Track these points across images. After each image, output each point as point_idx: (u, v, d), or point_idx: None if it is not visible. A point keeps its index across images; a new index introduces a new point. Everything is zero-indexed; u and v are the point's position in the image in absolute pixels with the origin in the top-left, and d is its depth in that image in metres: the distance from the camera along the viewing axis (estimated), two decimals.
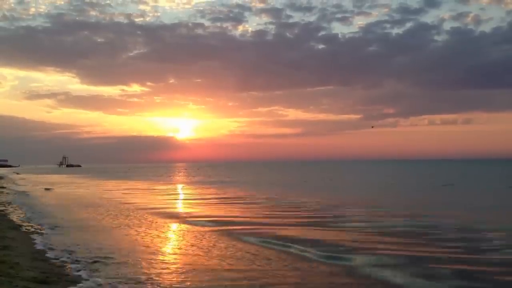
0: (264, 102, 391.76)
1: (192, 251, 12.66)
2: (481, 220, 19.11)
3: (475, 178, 60.81)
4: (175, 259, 11.68)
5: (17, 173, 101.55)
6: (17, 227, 16.46)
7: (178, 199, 32.74)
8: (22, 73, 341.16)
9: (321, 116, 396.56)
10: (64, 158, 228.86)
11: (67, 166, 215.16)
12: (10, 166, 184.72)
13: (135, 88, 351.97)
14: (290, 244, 13.39)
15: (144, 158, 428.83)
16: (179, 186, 48.71)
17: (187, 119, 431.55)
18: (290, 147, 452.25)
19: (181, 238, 15.00)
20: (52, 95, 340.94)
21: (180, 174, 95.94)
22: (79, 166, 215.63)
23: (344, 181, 57.02)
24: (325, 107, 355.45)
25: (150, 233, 15.78)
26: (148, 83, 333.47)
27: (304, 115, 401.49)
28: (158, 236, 15.26)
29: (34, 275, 8.86)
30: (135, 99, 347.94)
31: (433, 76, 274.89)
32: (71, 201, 29.22)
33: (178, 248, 13.23)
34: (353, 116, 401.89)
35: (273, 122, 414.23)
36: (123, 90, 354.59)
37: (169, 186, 48.05)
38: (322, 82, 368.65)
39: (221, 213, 22.56)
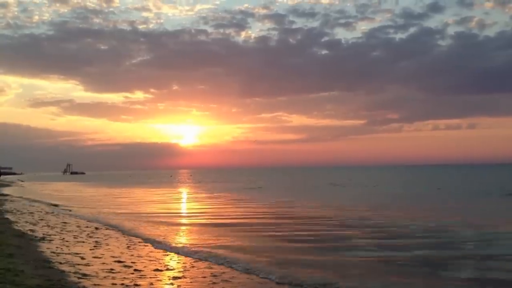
0: (267, 108, 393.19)
1: None
2: None
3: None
4: None
5: (22, 181, 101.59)
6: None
7: None
8: (26, 81, 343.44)
9: (325, 122, 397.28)
10: (68, 165, 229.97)
11: (71, 173, 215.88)
12: (14, 174, 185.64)
13: (139, 95, 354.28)
14: None
15: (148, 164, 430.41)
16: None
17: (191, 126, 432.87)
18: (294, 153, 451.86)
19: None
20: (56, 102, 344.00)
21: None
22: (83, 173, 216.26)
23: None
24: (328, 112, 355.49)
25: None
26: (152, 90, 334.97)
27: (308, 120, 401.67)
28: None
29: (39, 283, 8.77)
30: (139, 106, 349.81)
31: (437, 81, 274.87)
32: None
33: None
34: (357, 122, 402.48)
35: (276, 128, 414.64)
36: (126, 97, 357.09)
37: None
38: (326, 88, 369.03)
39: None
